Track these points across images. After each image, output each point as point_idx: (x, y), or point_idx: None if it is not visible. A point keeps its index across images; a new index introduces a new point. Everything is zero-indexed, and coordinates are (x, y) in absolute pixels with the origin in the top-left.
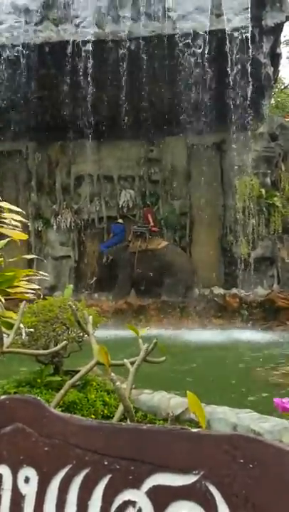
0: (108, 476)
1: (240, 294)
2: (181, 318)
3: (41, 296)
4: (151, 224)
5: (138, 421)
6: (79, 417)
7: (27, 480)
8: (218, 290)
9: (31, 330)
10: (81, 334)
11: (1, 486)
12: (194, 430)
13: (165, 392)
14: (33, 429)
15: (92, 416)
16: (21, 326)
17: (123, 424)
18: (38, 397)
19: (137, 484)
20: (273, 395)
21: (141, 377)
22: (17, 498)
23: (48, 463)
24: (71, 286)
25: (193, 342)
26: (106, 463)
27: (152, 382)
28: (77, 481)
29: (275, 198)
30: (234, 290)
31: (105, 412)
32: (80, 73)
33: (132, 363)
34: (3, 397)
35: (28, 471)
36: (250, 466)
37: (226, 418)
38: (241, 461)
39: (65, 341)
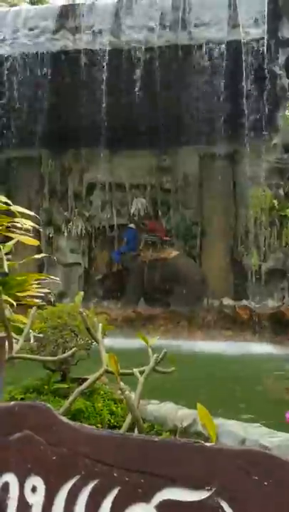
0: (117, 489)
1: (251, 306)
2: (190, 328)
3: (52, 301)
4: (163, 233)
5: (145, 432)
6: (89, 426)
7: (34, 489)
8: (228, 301)
9: (40, 335)
10: (89, 342)
11: (7, 494)
12: (208, 444)
13: (172, 403)
14: (41, 437)
15: (99, 425)
16: (30, 331)
17: (134, 435)
18: (48, 404)
19: (146, 498)
20: (282, 409)
21: (147, 387)
22: (23, 508)
23: (56, 472)
24: (82, 293)
25: (201, 353)
26: (115, 475)
27: (159, 393)
28: (86, 493)
29: (288, 210)
30: (244, 302)
31: (112, 421)
32: (95, 82)
33: (141, 373)
34: (12, 403)
35: (36, 480)
36: (265, 483)
37: (234, 432)
38: (256, 477)
39: (74, 348)
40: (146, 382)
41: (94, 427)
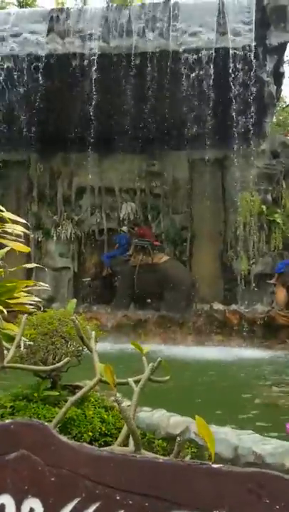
0: None
1: (240, 311)
2: (181, 333)
3: (41, 309)
4: (153, 239)
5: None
6: (89, 446)
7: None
8: (218, 306)
9: (30, 343)
10: (80, 348)
11: None
12: (215, 466)
13: (164, 410)
14: (39, 457)
15: (90, 433)
16: (22, 338)
17: (137, 455)
18: (46, 423)
19: None
20: (274, 414)
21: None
22: None
23: (55, 494)
24: (74, 300)
25: (191, 358)
26: (118, 497)
27: (150, 400)
28: None
29: (276, 215)
30: (234, 306)
31: (103, 429)
32: (85, 86)
33: (136, 382)
34: (7, 421)
35: (33, 502)
36: (277, 507)
37: (227, 439)
38: (267, 501)
39: (67, 358)
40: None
41: (94, 446)
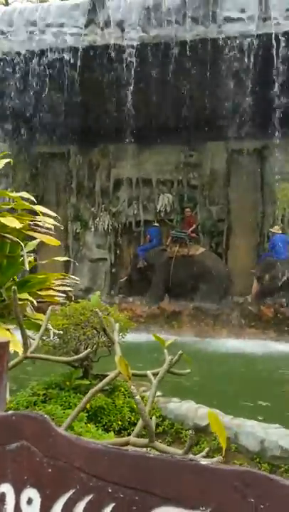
0: (111, 505)
1: (276, 305)
2: (215, 325)
3: (72, 299)
4: (191, 230)
5: (164, 430)
6: (86, 439)
7: (30, 501)
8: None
9: (60, 332)
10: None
11: (3, 505)
12: (204, 462)
13: (193, 401)
14: (37, 449)
15: (119, 422)
16: (51, 327)
17: (130, 450)
18: (46, 415)
19: None
20: None
21: (169, 385)
22: None
23: (52, 485)
24: (98, 292)
25: (225, 351)
26: (110, 490)
27: (180, 391)
28: (80, 507)
29: None
30: (269, 300)
31: (132, 418)
32: (124, 77)
33: (155, 374)
34: (9, 412)
35: (31, 492)
36: (262, 506)
37: (253, 432)
38: (252, 500)
39: (88, 349)
40: (168, 380)
41: (92, 440)
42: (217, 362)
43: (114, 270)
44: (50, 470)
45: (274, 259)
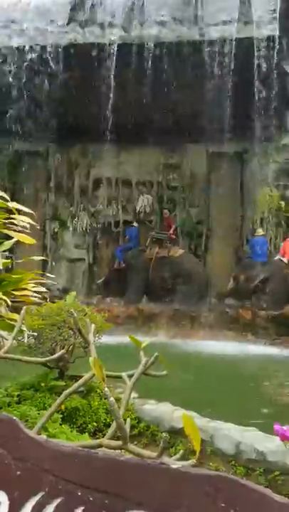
0: (81, 508)
1: (253, 307)
2: (193, 327)
3: (48, 299)
4: (172, 231)
5: (140, 432)
6: (55, 441)
7: None
8: (231, 301)
9: (34, 334)
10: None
11: None
12: (174, 467)
13: (169, 403)
14: (5, 451)
15: (95, 423)
16: (25, 329)
17: (100, 453)
18: (15, 418)
19: None
20: (281, 412)
21: (145, 387)
22: None
23: (20, 488)
24: (74, 293)
25: (202, 353)
26: (80, 493)
27: (157, 393)
28: (49, 510)
29: None
30: (247, 302)
31: (108, 420)
32: (104, 76)
33: (130, 376)
34: None
35: (0, 495)
36: (232, 511)
37: (230, 435)
38: (223, 505)
39: (62, 350)
40: (144, 381)
41: (62, 442)
42: (194, 364)
43: (93, 270)
44: (18, 472)
45: (253, 261)
